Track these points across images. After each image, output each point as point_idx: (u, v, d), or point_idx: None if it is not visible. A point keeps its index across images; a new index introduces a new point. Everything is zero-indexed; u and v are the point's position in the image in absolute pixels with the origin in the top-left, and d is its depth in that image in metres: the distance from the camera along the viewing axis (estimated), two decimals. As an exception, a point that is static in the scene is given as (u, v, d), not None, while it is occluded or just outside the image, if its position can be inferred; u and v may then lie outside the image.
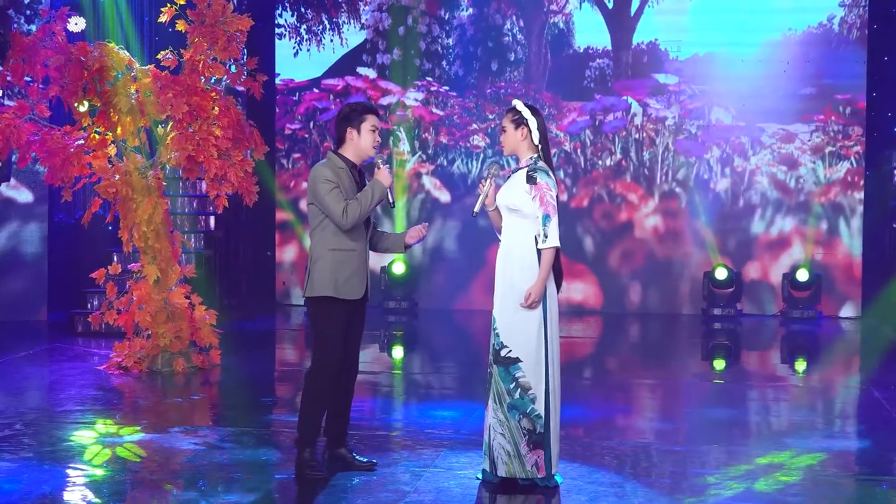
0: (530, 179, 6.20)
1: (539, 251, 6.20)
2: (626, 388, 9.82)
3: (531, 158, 6.29)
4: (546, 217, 6.16)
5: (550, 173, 6.25)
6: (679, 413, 8.74)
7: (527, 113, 6.29)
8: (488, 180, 6.36)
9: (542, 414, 6.16)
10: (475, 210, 6.36)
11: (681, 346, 12.96)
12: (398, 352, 12.29)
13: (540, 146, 6.31)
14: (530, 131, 6.29)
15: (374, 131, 6.47)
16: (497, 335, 6.20)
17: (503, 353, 6.18)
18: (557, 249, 6.22)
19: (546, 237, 6.16)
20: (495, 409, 6.22)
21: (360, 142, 6.47)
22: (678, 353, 12.34)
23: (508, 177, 6.41)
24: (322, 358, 6.45)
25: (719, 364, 11.75)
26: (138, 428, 7.77)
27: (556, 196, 6.24)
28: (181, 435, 7.57)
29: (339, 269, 6.41)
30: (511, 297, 6.19)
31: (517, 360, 6.17)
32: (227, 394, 9.52)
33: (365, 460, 6.72)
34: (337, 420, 6.65)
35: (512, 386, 6.17)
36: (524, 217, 6.21)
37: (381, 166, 6.46)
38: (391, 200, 6.44)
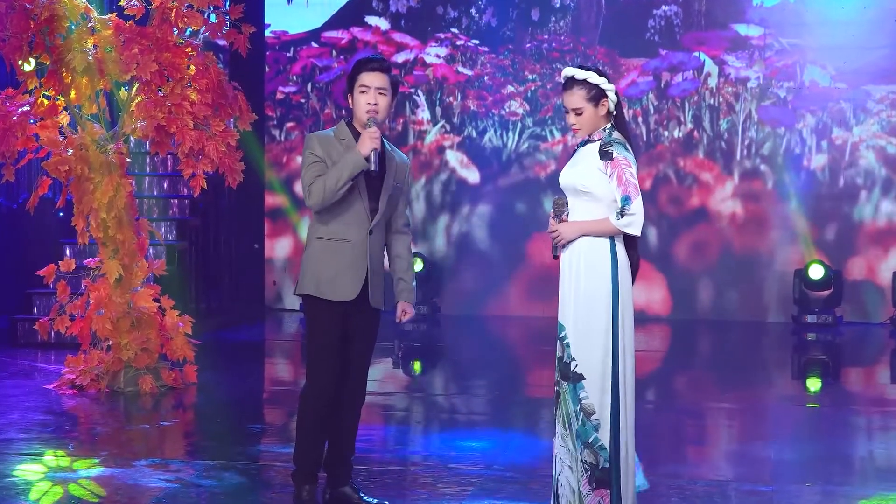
0: (605, 155, 6.16)
1: (612, 243, 6.16)
2: (699, 414, 9.80)
3: (604, 130, 6.26)
4: (626, 199, 6.12)
5: (628, 146, 6.22)
6: (764, 444, 8.72)
7: (605, 83, 6.23)
8: (559, 219, 6.29)
9: (608, 445, 6.14)
10: (555, 253, 6.32)
11: (766, 361, 12.91)
12: (416, 368, 12.29)
13: (615, 113, 6.28)
14: (609, 101, 6.25)
15: (364, 92, 6.44)
16: (567, 346, 6.19)
17: (572, 366, 6.18)
18: (632, 238, 6.21)
19: (622, 216, 6.11)
20: (563, 435, 6.20)
21: (355, 108, 6.47)
22: (763, 369, 12.30)
23: (573, 153, 6.39)
24: (312, 372, 6.49)
25: (814, 384, 11.70)
26: (96, 461, 7.79)
27: (637, 174, 6.20)
28: (148, 469, 7.59)
29: (326, 263, 6.43)
30: (578, 301, 6.18)
31: (581, 376, 6.16)
32: (206, 419, 9.54)
33: (374, 502, 6.72)
34: (338, 453, 6.66)
35: (577, 409, 6.16)
36: (597, 201, 6.19)
37: (368, 129, 6.42)
38: (373, 168, 6.37)
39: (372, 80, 6.44)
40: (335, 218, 6.45)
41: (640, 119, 15.09)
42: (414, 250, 14.88)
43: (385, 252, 6.69)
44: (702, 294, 15.05)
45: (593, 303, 6.16)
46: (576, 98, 6.18)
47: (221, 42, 10.85)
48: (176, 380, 10.18)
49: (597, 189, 6.16)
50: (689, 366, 12.52)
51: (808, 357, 13.33)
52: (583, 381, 6.14)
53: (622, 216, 6.11)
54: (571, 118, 6.23)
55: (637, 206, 6.11)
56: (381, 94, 6.46)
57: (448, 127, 15.43)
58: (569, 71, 6.24)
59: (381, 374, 11.20)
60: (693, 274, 15.06)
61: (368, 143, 6.35)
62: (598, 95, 6.19)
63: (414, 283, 6.85)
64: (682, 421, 9.45)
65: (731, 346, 13.65)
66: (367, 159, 6.33)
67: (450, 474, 7.50)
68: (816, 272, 14.43)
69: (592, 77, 6.17)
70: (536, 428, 8.78)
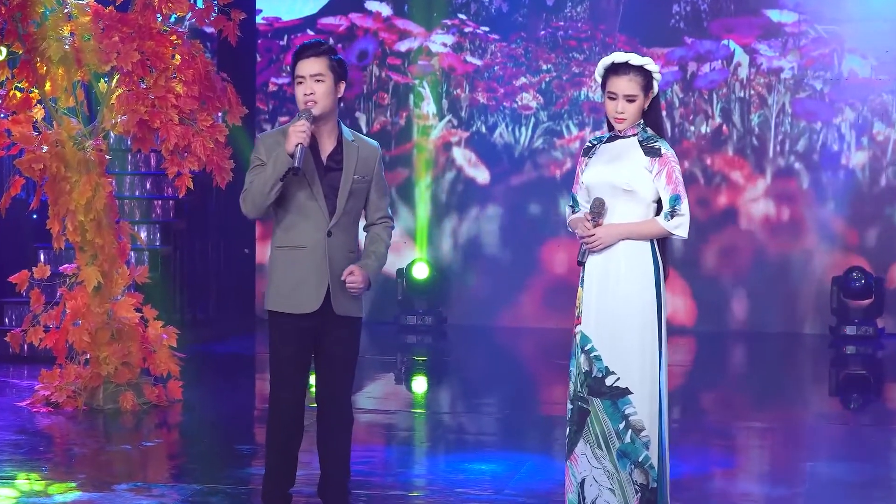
0: (651, 151, 6.24)
1: (653, 244, 6.21)
2: (728, 434, 9.81)
3: (639, 125, 6.33)
4: (677, 198, 6.20)
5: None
6: (799, 468, 8.73)
7: (657, 73, 6.30)
8: (596, 222, 6.29)
9: (656, 463, 6.17)
10: (582, 259, 6.34)
11: (802, 375, 12.91)
12: (420, 384, 12.30)
13: (647, 108, 6.36)
14: (652, 93, 6.33)
15: (300, 83, 6.42)
16: (598, 358, 6.21)
17: (609, 381, 6.19)
18: (663, 242, 6.28)
19: (672, 217, 6.17)
20: (600, 455, 6.22)
21: (297, 101, 6.46)
22: (798, 385, 12.30)
23: (590, 150, 6.42)
24: (272, 391, 6.53)
25: (853, 401, 11.69)
26: (73, 484, 7.80)
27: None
28: (130, 494, 7.60)
29: (286, 273, 6.43)
30: (616, 309, 6.20)
31: (626, 391, 6.17)
32: (191, 439, 9.54)
33: (375, 529, 6.74)
34: (330, 477, 6.67)
35: (622, 426, 6.18)
36: (638, 201, 6.23)
37: (294, 123, 6.38)
38: (296, 165, 6.25)
39: (306, 68, 6.40)
40: (290, 223, 6.45)
41: (664, 113, 15.08)
42: (418, 256, 14.97)
43: (352, 255, 6.54)
44: (730, 303, 15.03)
45: (638, 312, 6.18)
46: (633, 84, 6.25)
47: (209, 29, 10.87)
48: (159, 396, 10.18)
49: (641, 188, 6.22)
50: (717, 381, 12.52)
51: (847, 372, 13.32)
52: (629, 396, 6.16)
53: (672, 217, 6.16)
54: (620, 105, 6.27)
55: (686, 206, 6.20)
56: (318, 81, 6.39)
57: (455, 122, 15.44)
58: (622, 56, 6.30)
59: (383, 391, 11.20)
60: (721, 281, 15.04)
61: (292, 138, 6.29)
62: (648, 86, 6.26)
63: (378, 259, 6.51)
64: (711, 440, 9.45)
65: (763, 360, 13.64)
66: (292, 156, 6.27)
67: (457, 500, 7.50)
68: (856, 279, 14.41)
69: (650, 64, 6.28)
70: (551, 449, 8.78)
